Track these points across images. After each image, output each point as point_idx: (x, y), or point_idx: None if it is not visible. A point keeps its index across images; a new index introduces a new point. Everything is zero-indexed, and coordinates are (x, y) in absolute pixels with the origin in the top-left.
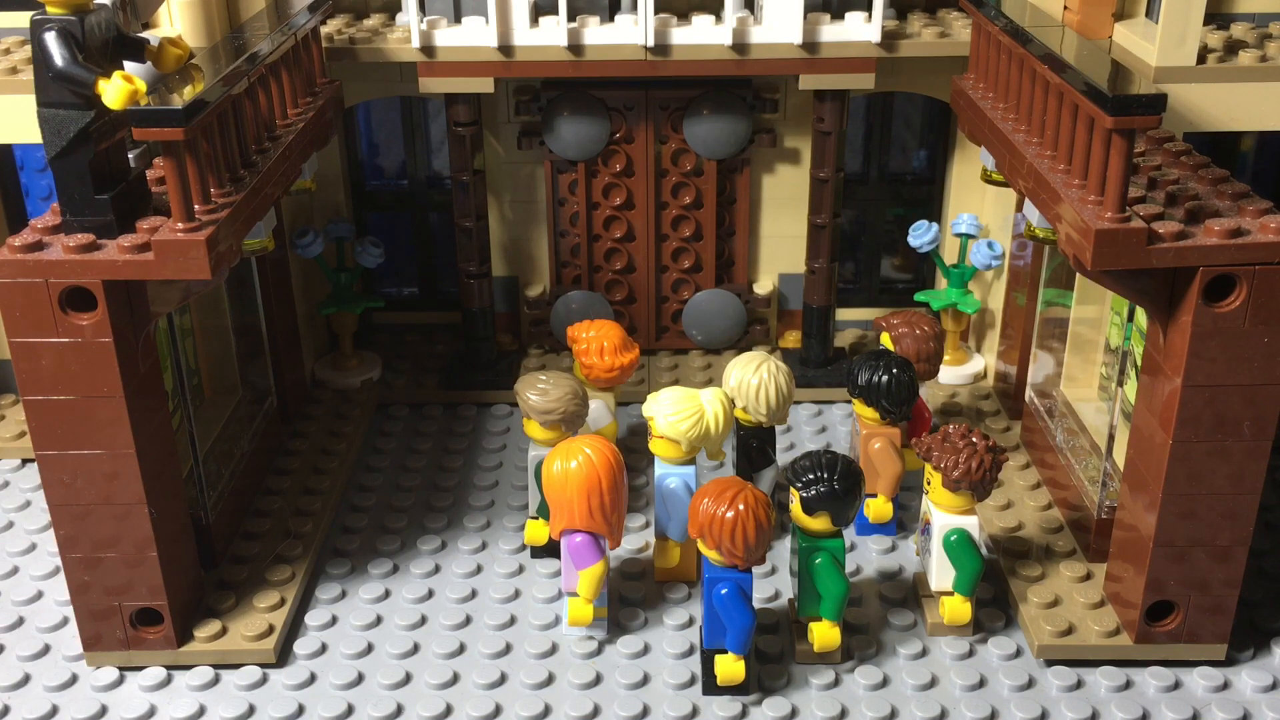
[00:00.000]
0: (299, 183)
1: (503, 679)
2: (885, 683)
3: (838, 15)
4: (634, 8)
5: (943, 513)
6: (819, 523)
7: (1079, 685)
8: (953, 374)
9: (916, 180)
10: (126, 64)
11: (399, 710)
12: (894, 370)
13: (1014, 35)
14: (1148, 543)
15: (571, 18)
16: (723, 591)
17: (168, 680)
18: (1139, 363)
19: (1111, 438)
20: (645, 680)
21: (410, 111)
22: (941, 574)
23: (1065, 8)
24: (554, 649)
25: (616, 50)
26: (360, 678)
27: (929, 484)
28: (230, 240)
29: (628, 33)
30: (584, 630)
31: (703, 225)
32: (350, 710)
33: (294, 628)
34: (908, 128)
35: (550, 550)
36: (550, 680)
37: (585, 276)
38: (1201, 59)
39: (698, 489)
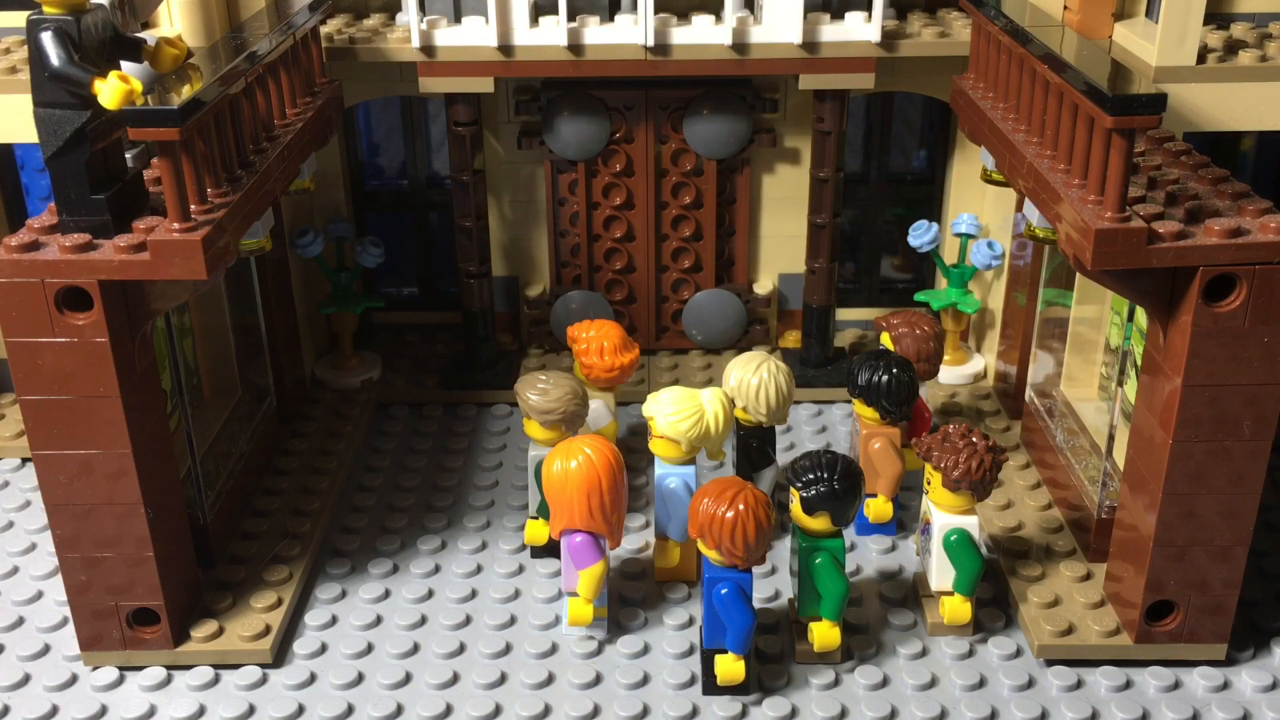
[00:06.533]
0: (297, 183)
1: (503, 679)
2: (885, 683)
3: (838, 15)
4: (634, 7)
5: (943, 513)
6: (819, 523)
7: (1079, 685)
8: (953, 374)
9: (916, 180)
10: (124, 64)
11: (399, 710)
12: (894, 370)
13: (1014, 35)
14: (1148, 543)
15: (571, 17)
16: (723, 591)
17: (167, 680)
18: (1139, 363)
19: (1111, 438)
20: (645, 680)
21: (410, 111)
22: (941, 574)
23: (1065, 8)
24: (554, 649)
25: (616, 50)
26: (360, 678)
27: (929, 484)
28: (227, 240)
29: (628, 33)
30: (584, 630)
31: (703, 225)
32: (350, 710)
33: (291, 628)
34: (908, 128)
35: (550, 550)
36: (550, 680)
37: (585, 276)
38: (1201, 59)
39: (698, 489)
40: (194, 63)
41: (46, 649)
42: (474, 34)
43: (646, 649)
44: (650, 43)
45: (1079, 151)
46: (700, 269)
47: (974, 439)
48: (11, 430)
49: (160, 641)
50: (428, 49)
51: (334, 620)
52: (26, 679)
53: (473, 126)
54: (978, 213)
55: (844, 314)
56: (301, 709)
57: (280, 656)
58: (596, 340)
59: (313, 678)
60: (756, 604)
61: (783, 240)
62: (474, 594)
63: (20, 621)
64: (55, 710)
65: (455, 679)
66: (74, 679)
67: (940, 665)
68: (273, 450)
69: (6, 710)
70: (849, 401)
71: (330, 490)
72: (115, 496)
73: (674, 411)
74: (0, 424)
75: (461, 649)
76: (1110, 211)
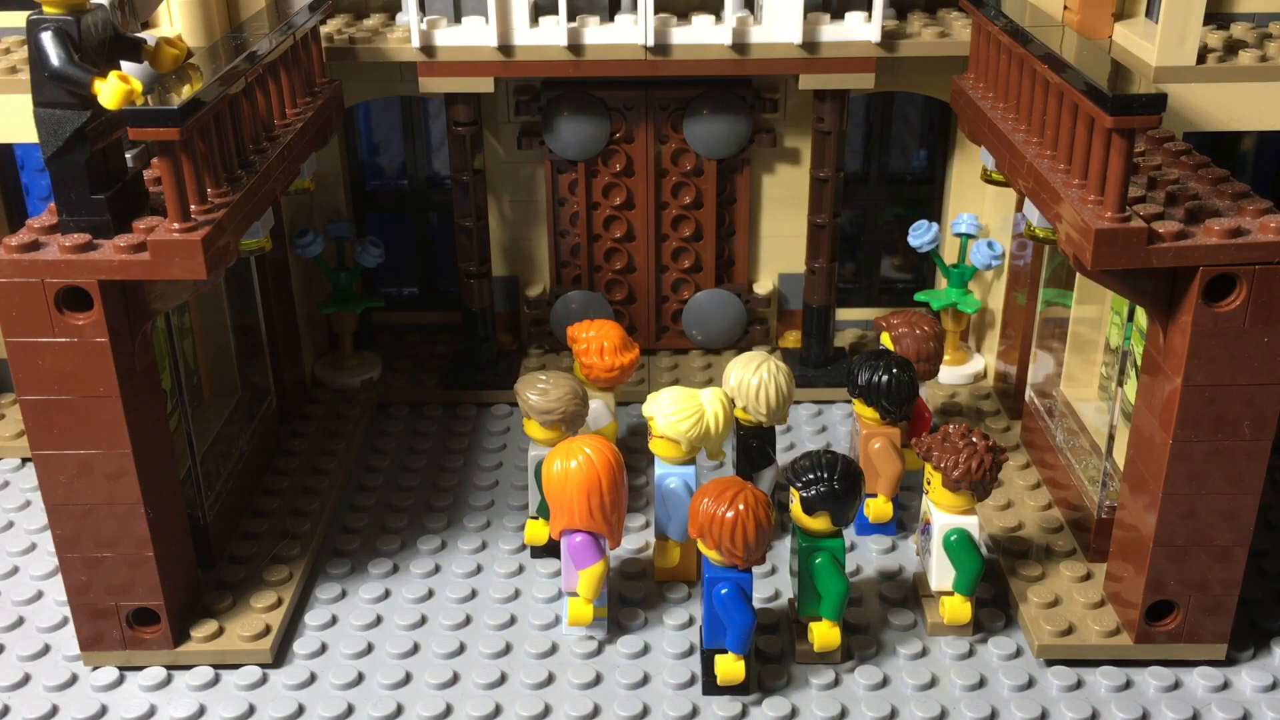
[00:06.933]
0: (297, 183)
1: (503, 679)
2: (885, 683)
3: (838, 15)
4: (634, 7)
5: (943, 513)
6: (819, 523)
7: (1079, 685)
8: (953, 374)
9: (916, 180)
10: (124, 64)
11: (399, 710)
12: (894, 370)
13: (1014, 35)
14: (1148, 542)
15: (571, 17)
16: (723, 591)
17: (167, 680)
18: (1139, 363)
19: (1111, 438)
20: (645, 680)
21: (410, 111)
22: (941, 574)
23: (1065, 8)
24: (554, 649)
25: (616, 50)
26: (360, 678)
27: (929, 484)
28: (227, 240)
29: (628, 32)
30: (584, 630)
31: (703, 225)
32: (350, 710)
33: (291, 628)
34: (908, 128)
35: (550, 550)
36: (550, 680)
37: (585, 276)
38: (1201, 59)
39: (698, 489)
40: (194, 63)
41: (46, 649)
42: (474, 34)
43: (646, 649)
44: (650, 43)
45: (1079, 151)
46: (700, 269)
47: (974, 439)
48: (11, 430)
49: (160, 641)
50: (428, 49)
51: (334, 620)
52: (26, 679)
53: (473, 126)
54: (978, 213)
55: (844, 314)
56: (301, 709)
57: (280, 656)
58: (596, 340)
59: (313, 678)
60: (756, 604)
61: (783, 240)
62: (474, 594)
63: (20, 621)
64: (55, 710)
65: (455, 679)
66: (74, 679)
67: (940, 665)
68: (273, 450)
69: (6, 710)
70: (849, 401)
71: (330, 490)
72: (115, 496)
73: (674, 411)
74: (0, 424)
75: (461, 649)
76: (1110, 211)
